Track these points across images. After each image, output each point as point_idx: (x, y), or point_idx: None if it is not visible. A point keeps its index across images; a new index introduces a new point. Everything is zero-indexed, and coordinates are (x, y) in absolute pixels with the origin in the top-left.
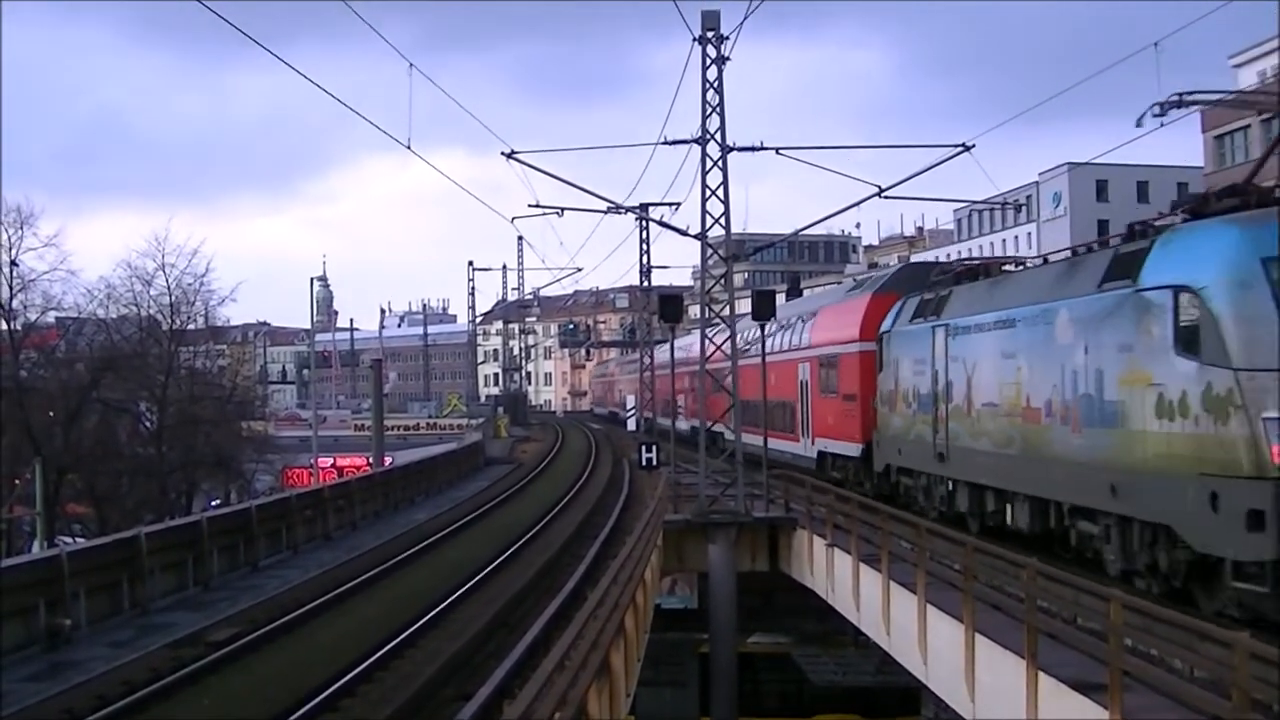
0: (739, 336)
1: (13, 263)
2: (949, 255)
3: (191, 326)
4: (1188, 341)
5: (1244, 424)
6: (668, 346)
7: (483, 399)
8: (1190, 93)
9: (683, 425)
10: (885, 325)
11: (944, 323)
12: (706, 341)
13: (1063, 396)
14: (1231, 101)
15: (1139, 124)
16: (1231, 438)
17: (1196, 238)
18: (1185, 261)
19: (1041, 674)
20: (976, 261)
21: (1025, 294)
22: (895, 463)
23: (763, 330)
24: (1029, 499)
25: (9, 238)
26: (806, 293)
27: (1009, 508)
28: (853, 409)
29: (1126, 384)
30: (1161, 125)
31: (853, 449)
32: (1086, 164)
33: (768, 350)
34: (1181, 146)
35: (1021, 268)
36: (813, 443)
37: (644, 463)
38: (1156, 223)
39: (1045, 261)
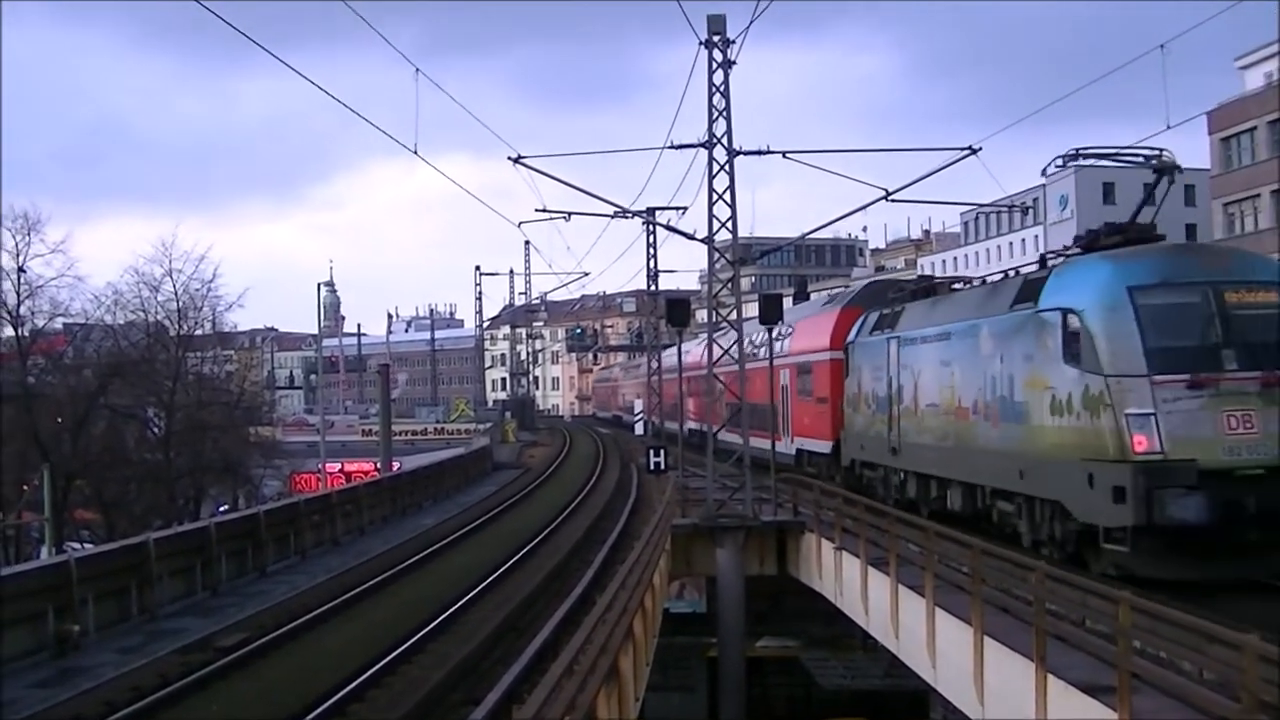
0: (721, 348)
1: (20, 269)
2: (956, 259)
3: (199, 332)
4: (1071, 353)
5: (1112, 419)
6: (669, 351)
7: (490, 404)
8: (1087, 148)
9: (680, 427)
10: (850, 336)
11: (897, 335)
12: (706, 347)
13: (985, 397)
14: (1124, 156)
15: (1044, 174)
16: (1102, 430)
17: (1080, 269)
18: (1071, 288)
19: (1050, 676)
20: (926, 282)
21: (958, 311)
22: (858, 457)
23: (770, 335)
24: (961, 484)
25: (16, 244)
26: (811, 297)
27: (948, 493)
28: (824, 410)
29: (1029, 387)
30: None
31: (824, 446)
32: (1093, 166)
33: (753, 358)
34: (1189, 148)
35: (963, 286)
36: (792, 441)
37: (651, 467)
38: (1061, 254)
39: (984, 283)
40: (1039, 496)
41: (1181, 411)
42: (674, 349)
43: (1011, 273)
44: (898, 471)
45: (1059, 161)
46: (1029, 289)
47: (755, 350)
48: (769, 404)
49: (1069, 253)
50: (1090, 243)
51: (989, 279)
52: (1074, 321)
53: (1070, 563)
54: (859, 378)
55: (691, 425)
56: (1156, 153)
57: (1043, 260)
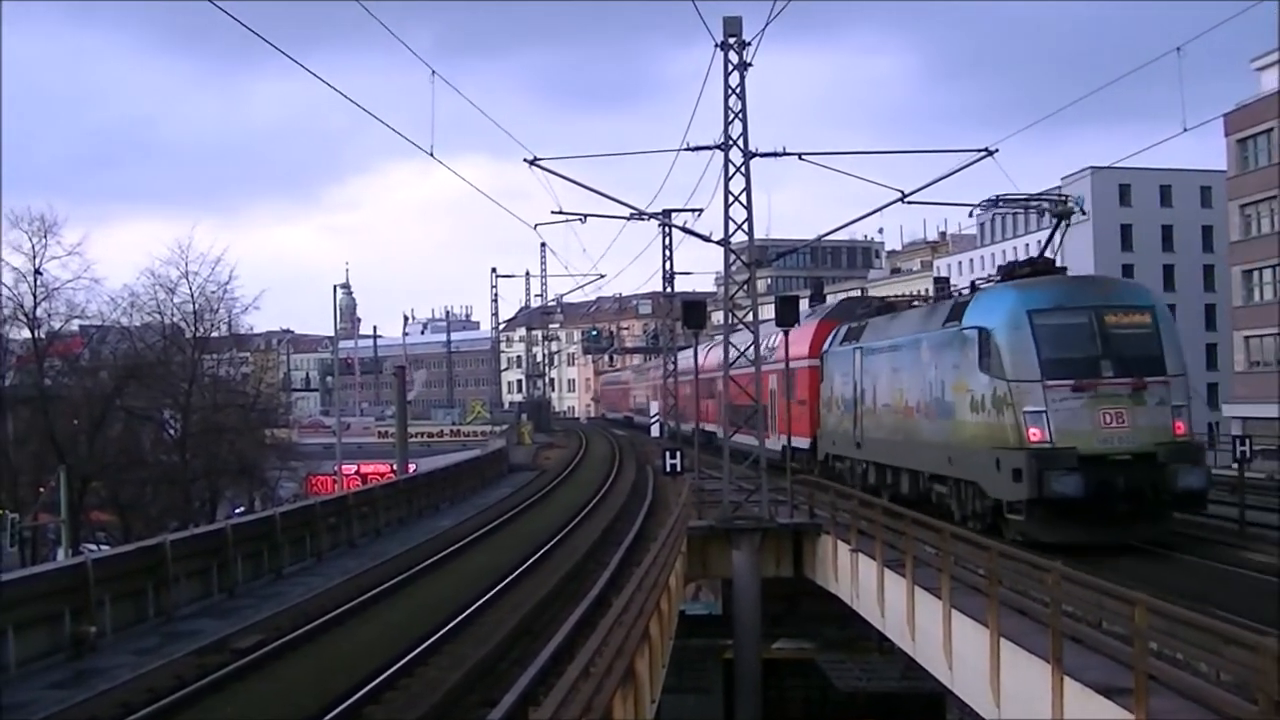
0: (737, 349)
1: (37, 271)
2: (972, 260)
3: (215, 334)
4: (984, 362)
5: (1013, 415)
6: (684, 354)
7: (506, 406)
8: (1007, 195)
9: (696, 429)
10: (825, 346)
11: (860, 346)
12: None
13: (924, 399)
14: (1034, 202)
15: (971, 215)
16: (1006, 424)
17: (993, 296)
18: (986, 311)
19: (1066, 678)
20: (888, 301)
21: (905, 327)
22: (831, 451)
23: (785, 336)
24: (908, 471)
25: (33, 246)
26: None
27: (900, 479)
28: (804, 411)
29: (955, 390)
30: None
31: (805, 442)
32: (1110, 168)
33: (745, 364)
34: (1205, 150)
35: (915, 305)
36: (779, 438)
37: (667, 469)
38: (987, 281)
39: (927, 303)
40: (963, 479)
41: (1067, 409)
42: (687, 352)
43: (940, 299)
44: (861, 462)
45: (979, 207)
46: (956, 310)
47: (768, 353)
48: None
49: (991, 281)
50: (1008, 273)
51: (931, 300)
52: (987, 337)
53: (990, 532)
54: (831, 382)
55: (706, 427)
56: (1062, 199)
57: (973, 286)
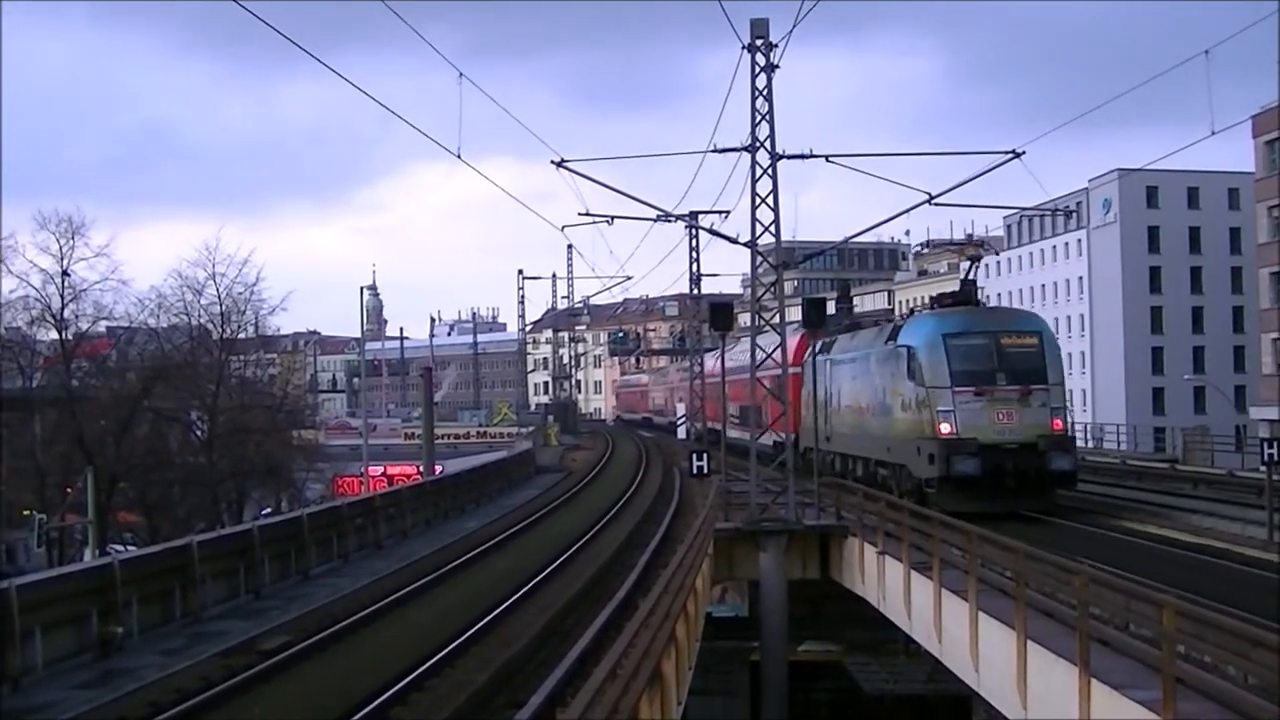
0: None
1: (64, 272)
2: (999, 263)
3: (242, 335)
4: (910, 373)
5: (929, 414)
6: (693, 357)
7: (533, 407)
8: (938, 240)
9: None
10: (806, 356)
11: (830, 357)
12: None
13: (871, 401)
14: (954, 244)
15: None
16: (925, 421)
17: (919, 322)
18: (913, 333)
19: (1094, 681)
20: (856, 320)
21: (861, 343)
22: (807, 444)
23: (814, 338)
24: (860, 459)
25: (61, 247)
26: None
27: (856, 465)
28: (776, 409)
29: (891, 394)
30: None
31: (774, 436)
32: (1138, 170)
33: (745, 369)
34: (1232, 152)
35: (875, 324)
36: (769, 433)
37: (695, 471)
38: (922, 308)
39: (876, 325)
40: (897, 463)
41: (969, 409)
42: (708, 354)
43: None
44: (829, 453)
45: (917, 248)
46: (894, 332)
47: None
48: (756, 405)
49: (924, 309)
50: (936, 302)
51: (880, 323)
52: (913, 354)
53: (920, 503)
54: (808, 387)
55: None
56: (977, 243)
57: (912, 311)
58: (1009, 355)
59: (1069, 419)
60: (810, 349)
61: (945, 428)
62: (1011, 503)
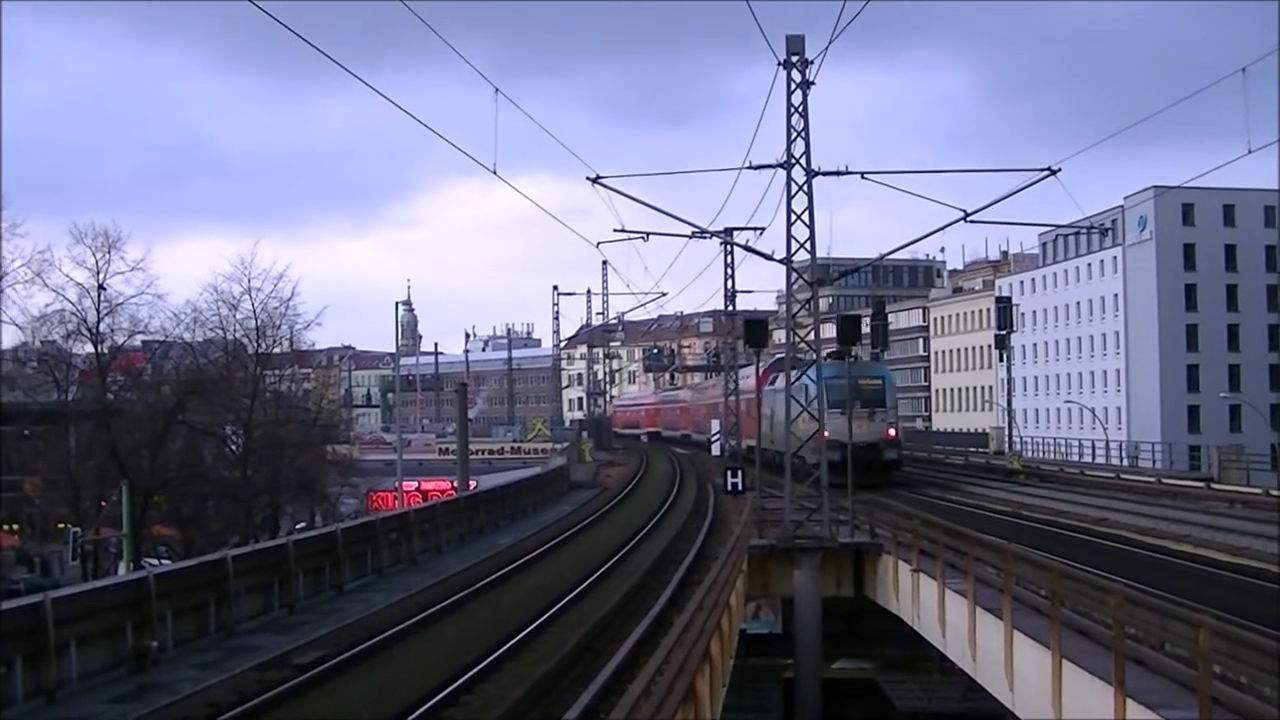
0: (749, 379)
1: (100, 286)
2: (1034, 280)
3: (277, 350)
4: (806, 399)
5: (815, 425)
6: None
7: (567, 423)
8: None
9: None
10: (764, 385)
11: (772, 387)
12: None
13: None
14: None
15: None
16: (812, 427)
17: (811, 370)
18: (808, 376)
19: (1129, 701)
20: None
21: (782, 379)
22: (761, 446)
23: (848, 354)
24: (780, 452)
25: (97, 261)
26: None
27: (781, 459)
28: (753, 423)
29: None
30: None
31: (752, 442)
32: (1174, 188)
33: (731, 393)
34: (1269, 170)
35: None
36: (743, 440)
37: (729, 488)
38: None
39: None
40: (799, 454)
41: (838, 422)
42: (758, 368)
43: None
44: (766, 450)
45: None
46: (800, 374)
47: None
48: (736, 419)
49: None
50: (830, 355)
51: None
52: (806, 388)
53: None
54: (763, 407)
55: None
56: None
57: (817, 358)
58: (862, 390)
59: (899, 429)
60: (768, 380)
61: (824, 434)
62: (862, 480)
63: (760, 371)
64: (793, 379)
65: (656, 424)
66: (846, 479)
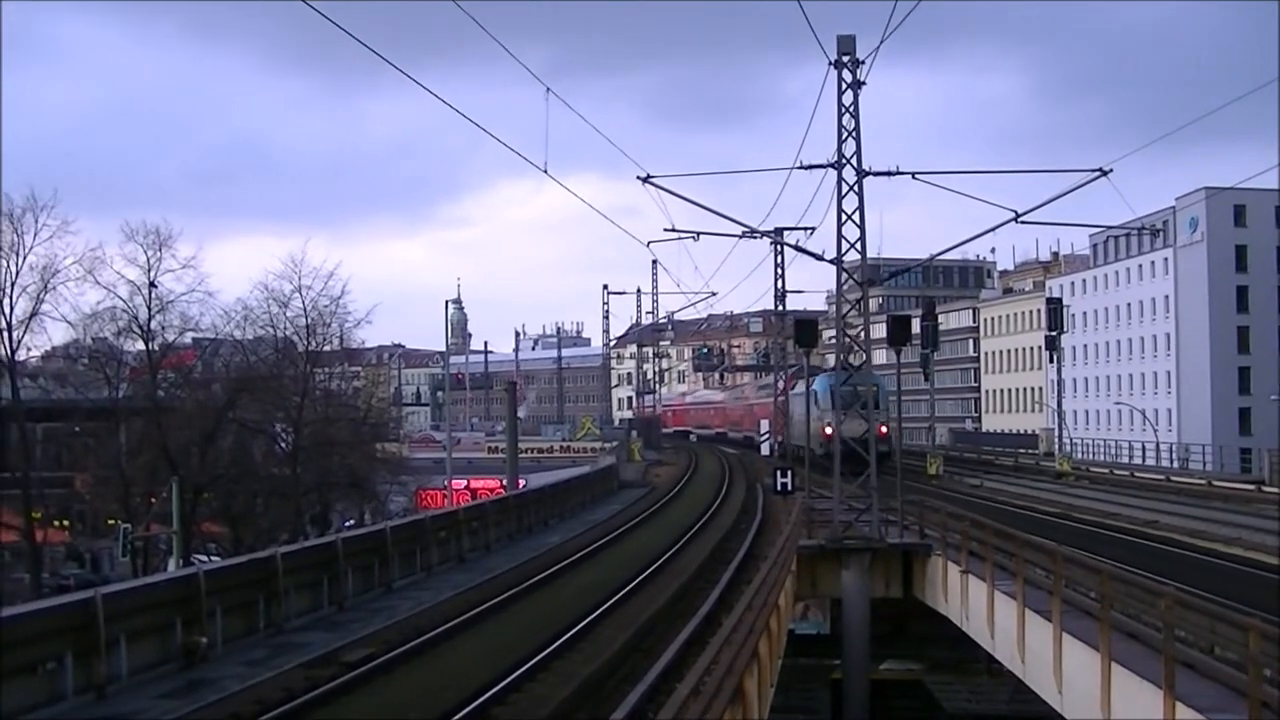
0: (763, 385)
1: (152, 284)
2: (1085, 281)
3: (327, 348)
4: (817, 402)
5: (821, 424)
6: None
7: (616, 422)
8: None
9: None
10: (788, 390)
11: (791, 392)
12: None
13: (800, 415)
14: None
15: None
16: (819, 426)
17: (822, 377)
18: (816, 384)
19: (1179, 704)
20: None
21: (800, 386)
22: (785, 442)
23: (898, 355)
24: (797, 445)
25: (148, 259)
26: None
27: (800, 452)
28: (780, 422)
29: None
30: None
31: (780, 438)
32: (1226, 189)
33: (762, 396)
34: None
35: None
36: (775, 437)
37: (779, 488)
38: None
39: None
40: (809, 447)
41: (841, 421)
42: (808, 367)
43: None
44: (786, 443)
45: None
46: (811, 383)
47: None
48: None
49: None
50: (832, 369)
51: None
52: (816, 395)
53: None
54: (785, 409)
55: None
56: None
57: (819, 369)
58: (860, 396)
59: (889, 426)
60: (790, 386)
61: (829, 430)
62: (859, 468)
63: (787, 379)
64: (803, 389)
65: (695, 423)
66: (858, 466)
